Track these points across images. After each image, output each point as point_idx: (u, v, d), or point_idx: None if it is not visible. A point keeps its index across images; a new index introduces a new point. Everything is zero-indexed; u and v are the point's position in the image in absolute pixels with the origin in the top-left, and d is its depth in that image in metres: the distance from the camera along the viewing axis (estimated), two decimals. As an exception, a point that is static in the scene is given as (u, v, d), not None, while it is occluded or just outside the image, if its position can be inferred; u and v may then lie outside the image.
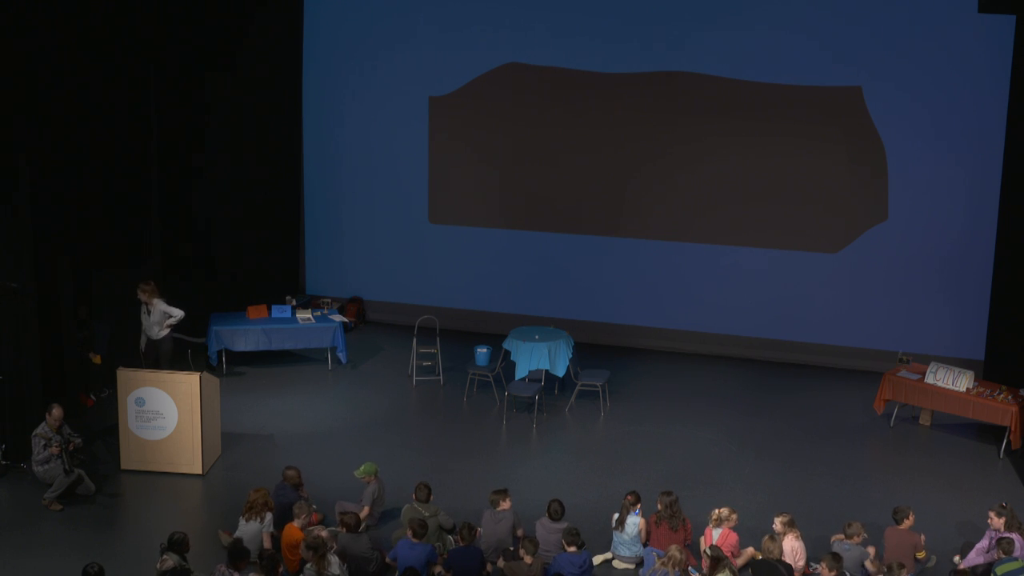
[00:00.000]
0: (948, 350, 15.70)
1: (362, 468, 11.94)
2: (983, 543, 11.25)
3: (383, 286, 17.87)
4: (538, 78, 16.61)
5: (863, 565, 10.92)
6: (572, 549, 10.71)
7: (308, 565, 10.31)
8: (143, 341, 14.53)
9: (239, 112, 16.55)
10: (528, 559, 10.63)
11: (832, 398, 15.45)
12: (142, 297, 14.34)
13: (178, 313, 14.32)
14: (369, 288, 17.94)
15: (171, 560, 10.19)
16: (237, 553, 10.29)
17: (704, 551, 10.81)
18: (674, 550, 10.47)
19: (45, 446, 12.12)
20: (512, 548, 11.07)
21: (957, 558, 11.43)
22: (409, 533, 10.82)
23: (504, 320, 16.88)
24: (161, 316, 14.30)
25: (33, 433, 12.28)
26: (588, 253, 17.00)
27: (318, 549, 10.30)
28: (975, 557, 11.22)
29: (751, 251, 16.42)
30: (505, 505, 11.33)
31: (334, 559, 10.40)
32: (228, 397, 14.40)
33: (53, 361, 13.65)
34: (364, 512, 11.72)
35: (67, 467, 12.13)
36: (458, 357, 16.01)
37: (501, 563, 10.85)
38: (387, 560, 11.01)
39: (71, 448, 12.23)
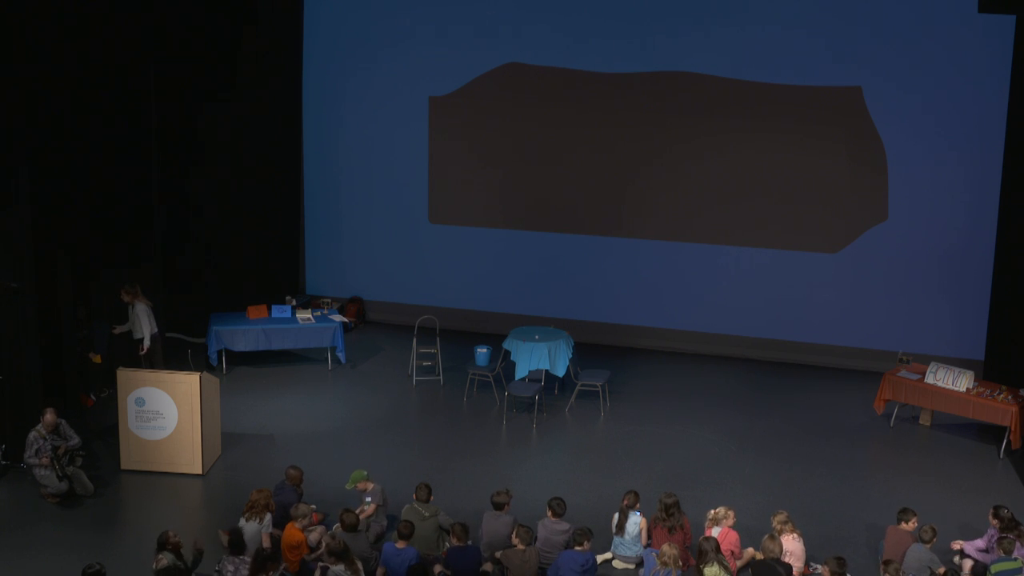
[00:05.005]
0: (948, 350, 15.70)
1: (352, 477, 11.84)
2: (980, 542, 11.28)
3: (383, 286, 17.87)
4: (538, 78, 16.62)
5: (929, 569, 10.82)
6: (579, 548, 10.66)
7: (340, 567, 10.23)
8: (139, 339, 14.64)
9: (239, 112, 16.55)
10: (521, 546, 10.64)
11: (832, 398, 15.45)
12: (125, 299, 14.55)
13: (146, 329, 14.47)
14: (369, 288, 17.93)
15: (165, 559, 10.23)
16: (238, 542, 10.38)
17: (701, 538, 10.78)
18: (666, 547, 10.46)
19: (37, 452, 12.11)
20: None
21: (956, 558, 11.41)
22: (399, 542, 10.74)
23: (504, 320, 16.88)
24: (135, 319, 14.46)
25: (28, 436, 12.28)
26: (588, 253, 16.99)
27: (343, 556, 10.25)
28: (973, 553, 11.24)
29: (751, 251, 16.42)
30: (508, 508, 11.31)
31: (359, 564, 10.39)
32: (228, 397, 14.40)
33: (53, 361, 13.65)
34: (371, 509, 11.63)
35: (59, 474, 12.13)
36: (458, 357, 16.00)
37: (498, 554, 10.85)
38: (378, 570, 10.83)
39: (61, 452, 12.20)
